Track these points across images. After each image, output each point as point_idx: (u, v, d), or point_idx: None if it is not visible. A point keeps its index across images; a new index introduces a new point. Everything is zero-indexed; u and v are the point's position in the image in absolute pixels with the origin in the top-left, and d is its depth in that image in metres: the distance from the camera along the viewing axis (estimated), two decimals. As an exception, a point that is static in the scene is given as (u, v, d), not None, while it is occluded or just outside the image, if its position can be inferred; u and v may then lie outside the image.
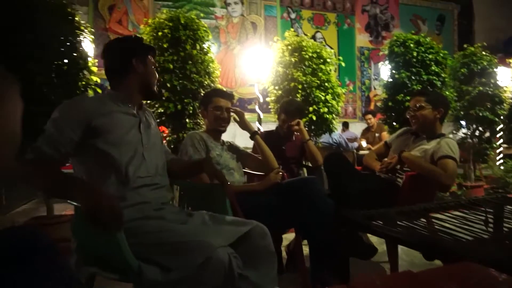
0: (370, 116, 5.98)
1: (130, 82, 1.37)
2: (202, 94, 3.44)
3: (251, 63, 4.99)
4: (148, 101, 3.37)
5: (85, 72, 2.73)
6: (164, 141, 3.21)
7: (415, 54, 3.96)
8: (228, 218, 1.35)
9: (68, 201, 1.15)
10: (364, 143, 5.83)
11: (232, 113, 2.04)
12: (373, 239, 2.21)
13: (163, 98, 3.30)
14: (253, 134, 2.05)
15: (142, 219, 1.23)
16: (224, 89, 2.26)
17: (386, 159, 2.18)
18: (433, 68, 3.97)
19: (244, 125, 2.06)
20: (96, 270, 1.21)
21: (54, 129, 1.19)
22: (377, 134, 5.81)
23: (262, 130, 4.31)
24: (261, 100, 5.04)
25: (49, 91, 2.41)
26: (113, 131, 1.26)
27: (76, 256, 1.25)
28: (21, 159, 1.15)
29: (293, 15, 8.26)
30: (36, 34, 2.38)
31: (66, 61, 2.59)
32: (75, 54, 2.64)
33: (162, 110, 3.30)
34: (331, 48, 8.03)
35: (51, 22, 2.45)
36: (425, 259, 1.17)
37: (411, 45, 4.00)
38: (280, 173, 1.88)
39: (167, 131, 3.49)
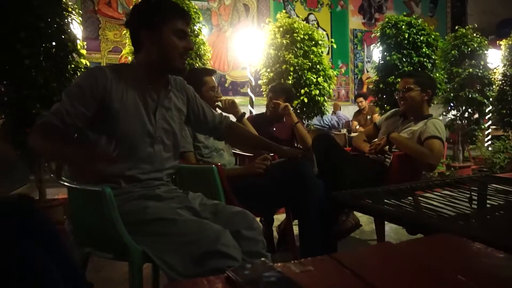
0: (361, 99, 6.01)
1: (145, 55, 1.19)
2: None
3: (243, 46, 4.96)
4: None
5: (74, 55, 2.70)
6: None
7: (406, 36, 3.97)
8: (218, 206, 1.27)
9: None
10: (356, 126, 5.88)
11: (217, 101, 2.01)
12: (363, 218, 2.28)
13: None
14: (240, 117, 2.05)
15: (140, 199, 1.19)
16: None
17: (375, 140, 2.22)
18: (424, 50, 3.99)
19: (230, 109, 2.04)
20: (90, 249, 1.22)
21: (67, 98, 1.11)
22: (368, 117, 5.85)
23: (254, 113, 4.32)
24: (253, 83, 5.03)
25: (37, 74, 2.39)
26: (123, 115, 1.14)
27: (71, 238, 1.26)
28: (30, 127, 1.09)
29: (285, -3, 8.14)
30: (23, 16, 2.34)
31: (54, 43, 2.56)
32: (63, 37, 2.60)
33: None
34: (324, 30, 7.96)
35: (38, 3, 2.41)
36: (409, 233, 1.22)
37: (403, 27, 4.00)
38: (264, 163, 1.76)
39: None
